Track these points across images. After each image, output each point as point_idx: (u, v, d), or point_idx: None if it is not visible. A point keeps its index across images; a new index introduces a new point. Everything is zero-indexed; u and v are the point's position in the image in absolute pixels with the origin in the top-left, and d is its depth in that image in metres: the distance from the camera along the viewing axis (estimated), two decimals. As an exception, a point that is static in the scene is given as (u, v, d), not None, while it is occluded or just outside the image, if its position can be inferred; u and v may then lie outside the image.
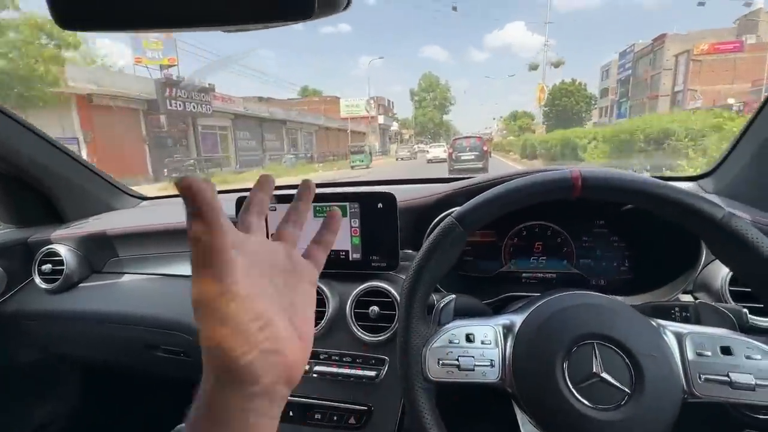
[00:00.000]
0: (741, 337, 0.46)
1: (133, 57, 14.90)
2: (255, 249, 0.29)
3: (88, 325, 1.06)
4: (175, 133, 14.93)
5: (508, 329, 0.53)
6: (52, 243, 1.08)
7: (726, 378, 0.44)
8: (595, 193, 0.50)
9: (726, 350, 0.46)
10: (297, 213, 0.36)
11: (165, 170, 12.95)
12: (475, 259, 0.85)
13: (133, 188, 1.40)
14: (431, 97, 54.66)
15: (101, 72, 12.96)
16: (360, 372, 0.74)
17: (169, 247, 1.04)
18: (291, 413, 0.76)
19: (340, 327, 0.77)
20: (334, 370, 0.75)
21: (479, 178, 0.82)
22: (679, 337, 0.48)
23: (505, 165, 17.11)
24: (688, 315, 0.57)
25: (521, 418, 0.54)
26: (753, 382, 0.43)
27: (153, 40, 14.50)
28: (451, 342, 0.52)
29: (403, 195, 0.84)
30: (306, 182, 0.38)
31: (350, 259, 0.81)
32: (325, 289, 0.77)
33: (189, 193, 0.23)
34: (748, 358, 0.45)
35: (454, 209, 0.56)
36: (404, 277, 0.55)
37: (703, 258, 0.68)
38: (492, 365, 0.51)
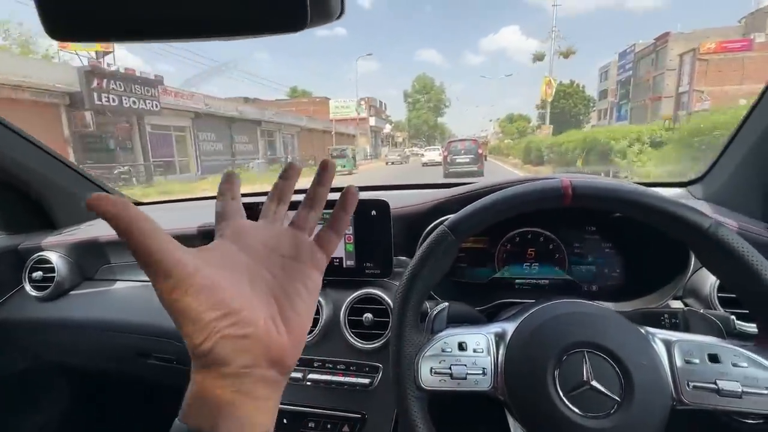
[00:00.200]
0: (728, 345, 0.47)
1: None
2: (252, 234, 0.31)
3: (80, 333, 1.05)
4: (119, 133, 12.38)
5: (500, 337, 0.53)
6: (43, 250, 1.07)
7: (714, 385, 0.45)
8: (585, 201, 0.51)
9: (713, 358, 0.46)
10: (315, 197, 0.35)
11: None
12: (468, 265, 0.85)
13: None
14: (425, 99, 54.01)
15: (6, 56, 10.48)
16: (354, 379, 0.74)
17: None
18: (285, 421, 0.75)
19: (333, 334, 0.77)
20: (328, 377, 0.75)
21: (472, 186, 0.83)
22: (668, 345, 0.48)
23: (504, 171, 15.01)
24: (677, 322, 0.58)
25: (513, 426, 0.55)
26: (740, 390, 0.44)
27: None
28: (443, 350, 0.52)
29: (397, 202, 0.84)
30: (325, 162, 0.36)
31: (344, 266, 0.81)
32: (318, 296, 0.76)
33: (99, 213, 0.23)
34: (734, 365, 0.45)
35: (446, 217, 0.57)
36: (398, 284, 0.55)
37: (692, 264, 0.69)
38: (484, 373, 0.51)
